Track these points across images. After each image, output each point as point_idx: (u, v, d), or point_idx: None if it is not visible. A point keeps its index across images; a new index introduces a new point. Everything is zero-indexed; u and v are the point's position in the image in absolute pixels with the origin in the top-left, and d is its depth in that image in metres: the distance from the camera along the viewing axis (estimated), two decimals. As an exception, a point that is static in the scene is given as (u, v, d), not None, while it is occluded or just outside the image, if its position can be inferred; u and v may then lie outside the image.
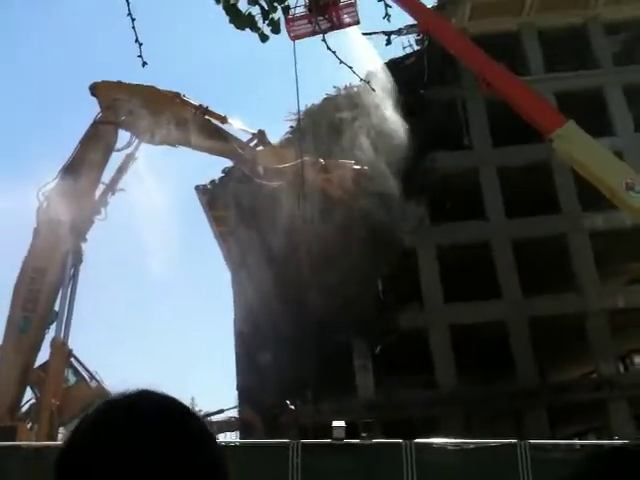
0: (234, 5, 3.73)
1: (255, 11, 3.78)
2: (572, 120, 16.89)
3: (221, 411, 19.81)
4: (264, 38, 4.01)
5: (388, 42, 27.44)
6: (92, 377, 15.02)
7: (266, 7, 3.77)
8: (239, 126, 16.67)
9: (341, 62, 5.04)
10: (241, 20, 3.80)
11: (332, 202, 17.75)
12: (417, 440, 12.37)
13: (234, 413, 21.87)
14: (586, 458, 1.44)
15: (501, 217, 27.55)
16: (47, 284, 14.85)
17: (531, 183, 26.67)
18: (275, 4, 3.81)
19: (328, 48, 4.89)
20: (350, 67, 5.30)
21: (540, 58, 30.34)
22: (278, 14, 3.85)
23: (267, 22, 3.88)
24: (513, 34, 30.64)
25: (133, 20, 3.86)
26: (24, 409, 14.30)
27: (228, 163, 22.83)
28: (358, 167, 17.77)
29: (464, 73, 26.49)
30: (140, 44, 4.04)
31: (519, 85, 18.17)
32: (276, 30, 3.98)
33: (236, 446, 11.77)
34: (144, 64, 4.06)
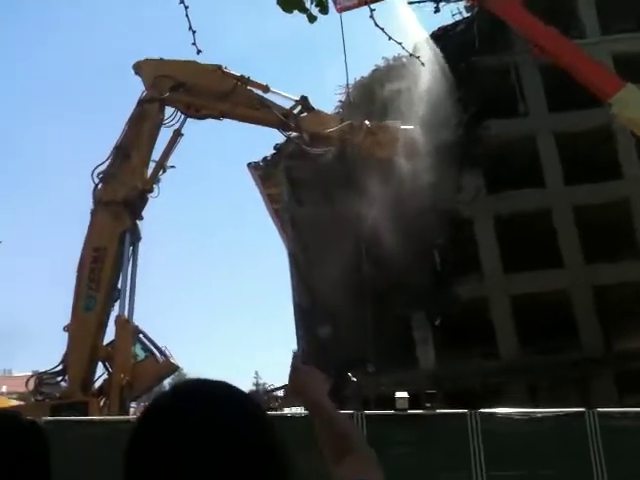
0: None
1: None
2: (630, 83, 16.26)
3: (285, 386, 19.89)
4: (312, 19, 3.96)
5: (437, 10, 26.82)
6: (161, 352, 15.09)
7: None
8: (281, 94, 16.47)
9: (390, 38, 4.87)
10: (289, 3, 3.74)
11: (383, 167, 17.36)
12: (482, 410, 12.27)
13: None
14: None
15: (560, 184, 26.90)
16: (108, 263, 15.03)
17: (590, 148, 25.94)
18: None
19: (376, 25, 4.72)
20: (399, 43, 5.09)
21: (595, 20, 29.28)
22: None
23: (315, 3, 3.83)
24: (566, -5, 29.62)
25: (186, 8, 3.79)
26: (98, 384, 14.59)
27: (279, 139, 22.79)
28: (406, 127, 17.15)
29: (516, 38, 25.77)
30: (194, 32, 3.98)
31: (572, 49, 17.51)
32: (324, 11, 3.93)
33: (301, 417, 11.80)
34: (198, 52, 4.06)
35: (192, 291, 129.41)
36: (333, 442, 1.62)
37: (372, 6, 4.69)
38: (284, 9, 3.80)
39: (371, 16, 4.68)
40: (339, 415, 1.73)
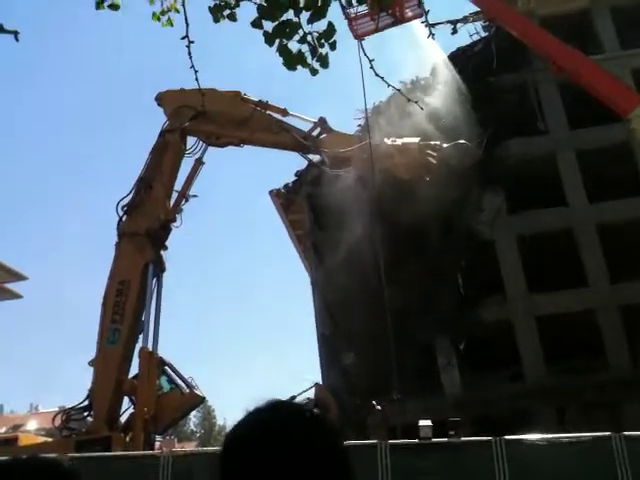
0: (286, 46, 3.90)
1: (304, 48, 3.94)
2: (649, 99, 16.13)
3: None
4: (314, 72, 4.11)
5: (454, 31, 26.96)
6: (186, 383, 14.94)
7: (315, 44, 3.89)
8: (300, 117, 16.55)
9: (376, 75, 4.95)
10: (292, 59, 3.89)
11: (404, 187, 17.19)
12: (507, 436, 12.11)
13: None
14: None
15: (583, 202, 26.61)
16: (132, 295, 15.09)
17: (612, 165, 25.66)
18: (322, 41, 3.93)
19: (365, 55, 4.83)
20: (382, 77, 5.14)
21: (614, 35, 29.12)
22: (325, 49, 3.94)
23: (316, 58, 3.99)
24: (583, 12, 29.54)
25: (190, 43, 3.90)
26: (125, 419, 14.53)
27: (300, 165, 22.84)
28: (427, 143, 16.86)
29: (534, 57, 25.74)
30: (196, 71, 4.14)
31: (591, 66, 17.43)
32: (324, 65, 4.07)
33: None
34: (200, 91, 4.25)
35: (219, 320, 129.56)
36: None
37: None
38: (288, 67, 3.94)
39: (361, 47, 4.79)
40: None
